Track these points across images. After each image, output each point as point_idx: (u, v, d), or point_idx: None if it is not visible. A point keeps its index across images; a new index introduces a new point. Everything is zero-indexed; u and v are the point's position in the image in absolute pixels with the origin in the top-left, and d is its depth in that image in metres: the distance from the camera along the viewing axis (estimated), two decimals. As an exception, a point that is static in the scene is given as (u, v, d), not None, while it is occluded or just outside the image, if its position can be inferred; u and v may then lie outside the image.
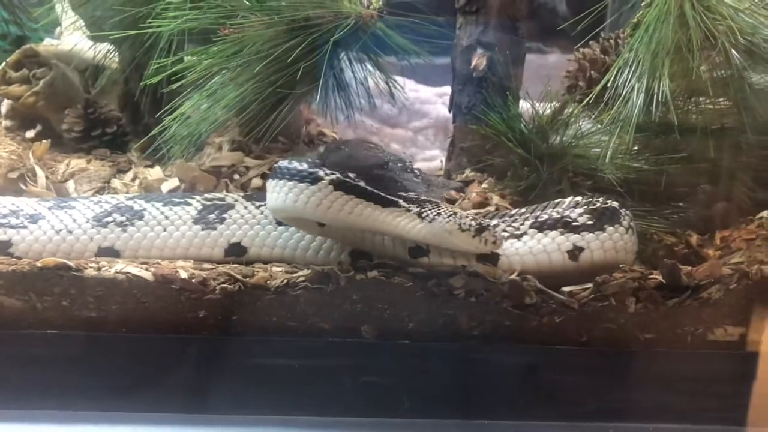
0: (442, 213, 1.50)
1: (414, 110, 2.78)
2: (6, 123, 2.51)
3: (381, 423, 1.48)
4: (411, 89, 2.68)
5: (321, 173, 1.46)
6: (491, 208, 1.80)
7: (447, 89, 2.76)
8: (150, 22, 1.77)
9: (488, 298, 1.48)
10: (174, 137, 1.68)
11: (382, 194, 1.52)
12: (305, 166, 1.47)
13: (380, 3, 1.74)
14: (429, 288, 1.48)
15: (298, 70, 1.71)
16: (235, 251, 1.61)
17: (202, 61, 1.57)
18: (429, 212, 1.50)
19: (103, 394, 1.44)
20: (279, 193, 1.45)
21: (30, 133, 2.49)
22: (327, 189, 1.45)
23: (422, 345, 1.49)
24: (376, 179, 1.80)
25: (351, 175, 1.51)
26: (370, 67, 2.03)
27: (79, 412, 1.44)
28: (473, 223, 1.50)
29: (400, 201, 1.52)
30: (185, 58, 1.67)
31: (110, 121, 2.26)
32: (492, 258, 1.58)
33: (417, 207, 1.52)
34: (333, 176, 1.47)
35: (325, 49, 1.70)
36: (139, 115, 2.39)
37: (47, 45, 2.41)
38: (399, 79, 2.14)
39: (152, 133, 1.71)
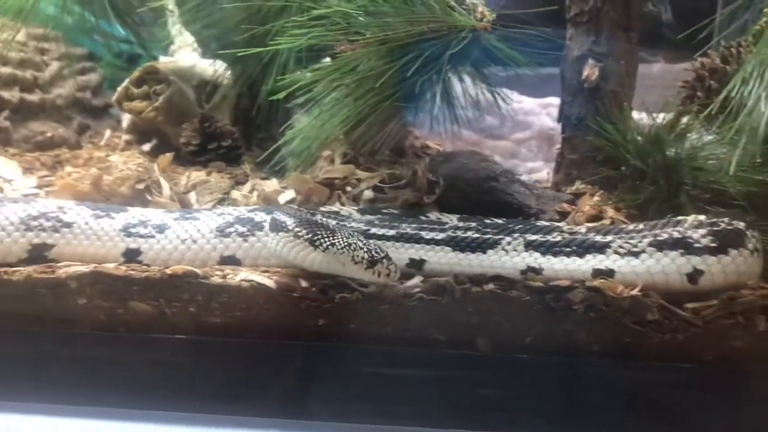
0: (336, 243, 1.47)
1: (517, 121, 2.76)
2: (126, 137, 2.65)
3: (496, 437, 1.47)
4: (515, 100, 2.66)
5: None
6: (606, 222, 1.77)
7: (551, 100, 2.74)
8: (273, 41, 1.84)
9: (608, 314, 1.45)
10: (292, 151, 1.73)
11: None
12: None
13: (493, 16, 1.74)
14: (547, 302, 1.46)
15: (412, 84, 1.73)
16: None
17: (319, 77, 1.61)
18: (323, 240, 1.48)
19: (224, 397, 1.49)
20: None
21: (146, 146, 2.63)
22: None
23: (539, 359, 1.47)
24: (488, 192, 1.80)
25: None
26: (477, 78, 2.04)
27: (204, 415, 1.49)
28: (366, 255, 1.46)
29: (288, 222, 1.50)
30: (302, 74, 1.72)
31: (224, 134, 2.35)
32: (608, 274, 1.56)
33: (309, 233, 1.48)
34: None
35: (440, 63, 1.71)
36: (250, 128, 2.48)
37: (166, 62, 2.52)
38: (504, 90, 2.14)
39: (276, 145, 1.76)
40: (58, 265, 1.55)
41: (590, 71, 1.96)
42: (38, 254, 1.59)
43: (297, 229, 1.49)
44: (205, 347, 1.50)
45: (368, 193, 1.83)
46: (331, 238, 1.47)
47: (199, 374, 1.50)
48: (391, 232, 1.58)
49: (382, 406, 1.49)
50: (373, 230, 1.59)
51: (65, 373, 1.50)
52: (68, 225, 1.62)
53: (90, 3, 2.56)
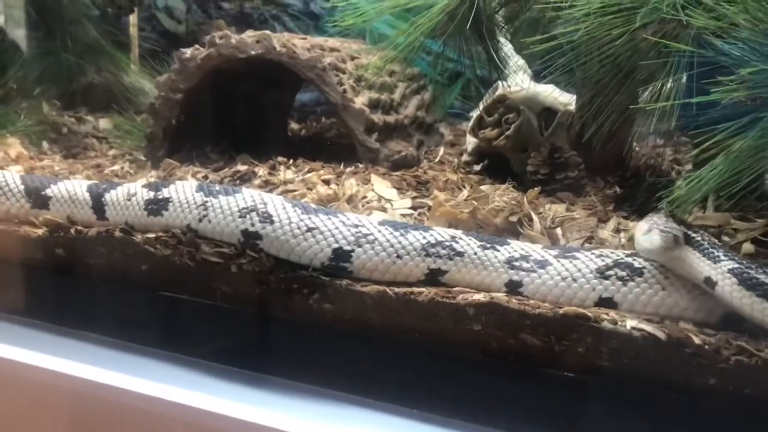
0: None
1: None
2: (465, 158, 2.84)
3: None
4: None
5: None
6: None
7: None
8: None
9: None
10: (673, 197, 1.73)
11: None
12: None
13: None
14: None
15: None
16: (731, 321, 1.61)
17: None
18: None
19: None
20: None
21: (477, 167, 2.79)
22: None
23: None
24: None
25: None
26: None
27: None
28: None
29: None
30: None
31: (571, 165, 2.41)
32: None
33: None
34: None
35: None
36: (591, 158, 2.52)
37: (515, 91, 2.65)
38: None
39: (673, 193, 1.75)
40: (455, 290, 1.72)
41: None
42: (433, 278, 1.77)
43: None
44: (591, 388, 1.58)
45: (748, 247, 1.77)
46: None
47: (585, 415, 1.58)
48: None
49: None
50: None
51: (459, 392, 1.67)
52: (460, 254, 1.78)
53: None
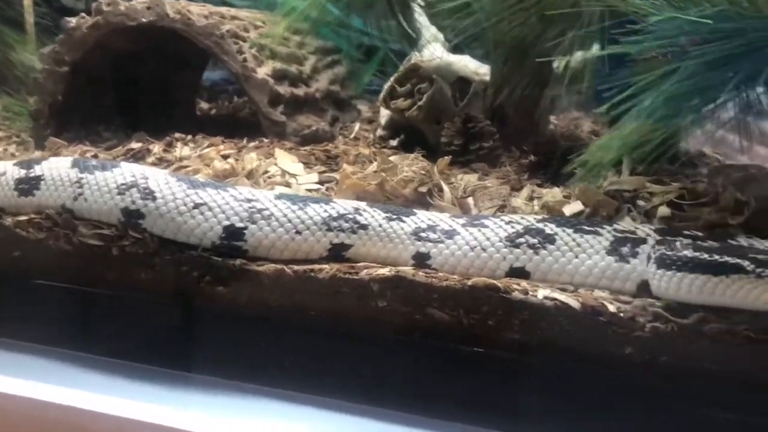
0: None
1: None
2: (380, 132, 2.71)
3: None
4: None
5: None
6: None
7: None
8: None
9: None
10: (583, 161, 1.64)
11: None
12: None
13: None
14: None
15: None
16: (647, 289, 1.53)
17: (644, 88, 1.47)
18: None
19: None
20: None
21: (393, 142, 2.66)
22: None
23: None
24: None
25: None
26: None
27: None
28: None
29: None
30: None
31: (485, 135, 2.31)
32: None
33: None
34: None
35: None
36: (506, 128, 2.43)
37: (428, 60, 2.53)
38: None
39: (576, 155, 1.65)
40: (359, 266, 1.59)
41: None
42: (337, 253, 1.64)
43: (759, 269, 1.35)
44: (502, 363, 1.48)
45: (664, 210, 1.70)
46: None
47: (496, 391, 1.48)
48: None
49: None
50: None
51: (362, 373, 1.54)
52: (364, 227, 1.66)
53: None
